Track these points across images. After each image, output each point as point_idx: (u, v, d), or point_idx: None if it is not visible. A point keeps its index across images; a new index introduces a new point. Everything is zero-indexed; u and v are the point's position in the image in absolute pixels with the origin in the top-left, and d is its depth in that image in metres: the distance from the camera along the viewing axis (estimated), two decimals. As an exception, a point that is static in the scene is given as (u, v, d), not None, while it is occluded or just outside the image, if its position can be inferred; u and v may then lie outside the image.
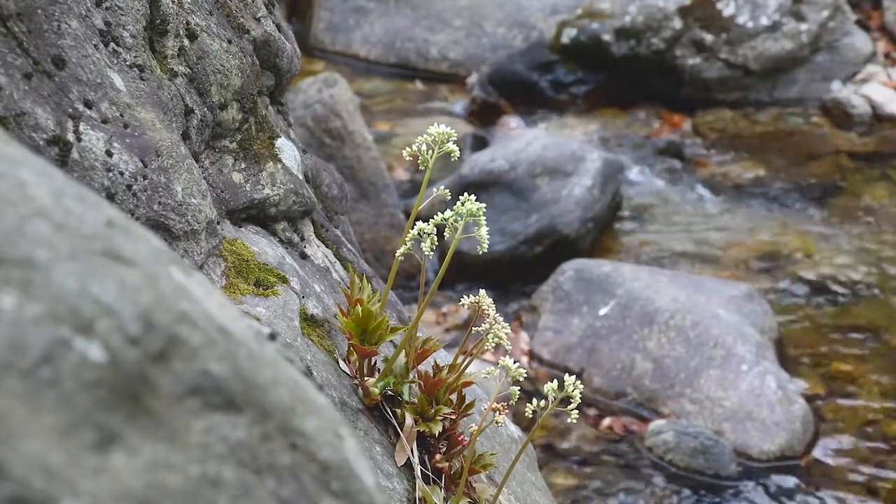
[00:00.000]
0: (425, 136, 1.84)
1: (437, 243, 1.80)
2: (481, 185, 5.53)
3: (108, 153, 1.71)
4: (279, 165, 2.13)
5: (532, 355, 4.90)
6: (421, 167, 1.83)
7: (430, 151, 1.84)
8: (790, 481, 4.31)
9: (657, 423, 4.44)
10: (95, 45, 1.77)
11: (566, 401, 1.79)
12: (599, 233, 5.70)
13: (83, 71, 1.73)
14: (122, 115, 1.77)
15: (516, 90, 6.91)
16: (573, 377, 1.80)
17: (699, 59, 6.87)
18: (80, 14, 1.75)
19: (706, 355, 4.60)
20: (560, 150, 5.70)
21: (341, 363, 1.97)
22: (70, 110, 1.68)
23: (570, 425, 4.49)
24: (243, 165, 2.08)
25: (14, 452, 0.69)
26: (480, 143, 6.34)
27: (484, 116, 6.76)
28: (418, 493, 1.85)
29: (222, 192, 2.03)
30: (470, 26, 7.20)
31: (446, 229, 1.77)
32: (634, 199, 6.04)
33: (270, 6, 2.27)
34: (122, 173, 1.72)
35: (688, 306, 4.74)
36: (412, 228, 1.81)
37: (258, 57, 2.14)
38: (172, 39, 1.94)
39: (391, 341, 2.06)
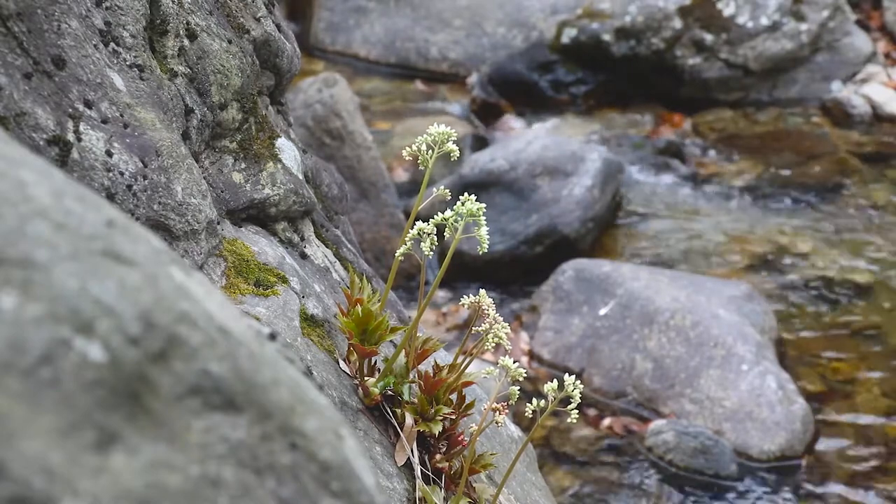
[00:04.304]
0: (425, 136, 1.84)
1: (437, 243, 1.80)
2: (481, 185, 5.53)
3: (108, 153, 1.71)
4: (279, 165, 2.13)
5: (532, 355, 4.90)
6: (421, 167, 1.83)
7: (430, 151, 1.84)
8: (790, 481, 4.31)
9: (657, 423, 4.44)
10: (95, 45, 1.77)
11: (566, 401, 1.79)
12: (599, 233, 5.70)
13: (83, 71, 1.73)
14: (122, 115, 1.77)
15: (516, 90, 6.91)
16: (573, 377, 1.80)
17: (699, 59, 6.87)
18: (80, 14, 1.75)
19: (706, 355, 4.60)
20: (560, 150, 5.70)
21: (341, 363, 1.97)
22: (70, 110, 1.68)
23: (570, 425, 4.49)
24: (243, 165, 2.08)
25: (14, 452, 0.69)
26: (480, 143, 6.34)
27: (484, 116, 6.76)
28: (418, 493, 1.85)
29: (222, 192, 2.03)
30: (470, 26, 7.20)
31: (446, 229, 1.77)
32: (634, 199, 6.04)
33: (270, 6, 2.27)
34: (122, 173, 1.72)
35: (688, 306, 4.74)
36: (412, 228, 1.81)
37: (258, 57, 2.14)
38: (172, 39, 1.94)
39: (391, 341, 2.06)
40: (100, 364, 0.75)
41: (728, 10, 6.89)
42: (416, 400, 1.92)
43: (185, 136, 1.94)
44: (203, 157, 2.02)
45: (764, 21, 6.88)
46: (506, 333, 1.88)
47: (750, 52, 6.86)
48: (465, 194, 1.78)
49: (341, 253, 2.35)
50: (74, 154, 1.66)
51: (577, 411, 1.78)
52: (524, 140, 5.82)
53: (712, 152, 6.49)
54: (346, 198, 2.56)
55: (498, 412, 1.86)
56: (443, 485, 1.90)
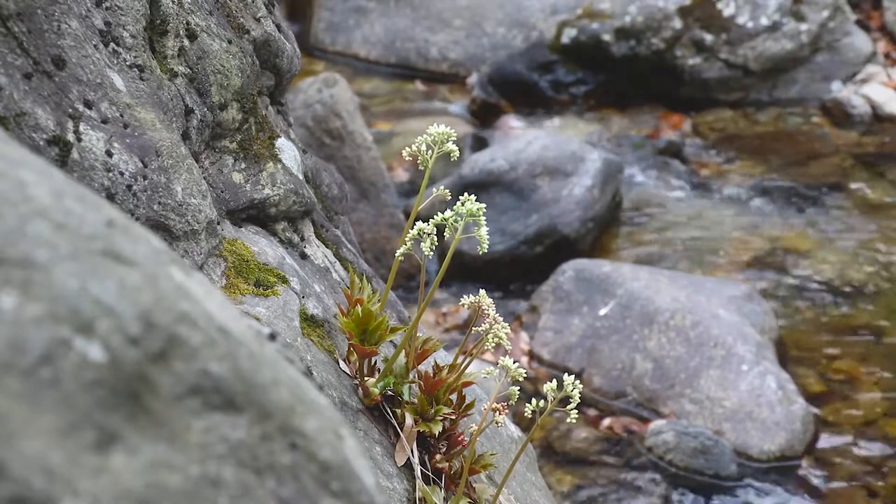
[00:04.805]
0: (425, 136, 1.84)
1: (437, 243, 1.80)
2: (481, 185, 5.53)
3: (108, 153, 1.71)
4: (279, 165, 2.13)
5: (532, 355, 4.90)
6: (421, 167, 1.83)
7: (430, 151, 1.84)
8: (790, 481, 4.31)
9: (657, 423, 4.44)
10: (95, 45, 1.77)
11: (566, 401, 1.79)
12: (599, 233, 5.70)
13: (83, 71, 1.73)
14: (122, 115, 1.77)
15: (516, 90, 6.91)
16: (573, 377, 1.80)
17: (699, 59, 6.87)
18: (80, 14, 1.75)
19: (706, 355, 4.60)
20: (560, 150, 5.70)
21: (341, 363, 1.97)
22: (70, 110, 1.68)
23: (570, 425, 4.49)
24: (243, 165, 2.08)
25: (14, 452, 0.69)
26: (480, 143, 6.34)
27: (484, 116, 6.76)
28: (418, 493, 1.85)
29: (222, 192, 2.03)
30: (470, 26, 7.20)
31: (446, 229, 1.77)
32: (634, 199, 6.04)
33: (270, 6, 2.27)
34: (122, 173, 1.72)
35: (688, 306, 4.74)
36: (412, 228, 1.81)
37: (258, 57, 2.14)
38: (172, 39, 1.94)
39: (391, 341, 2.06)
40: (100, 364, 0.75)
41: (728, 10, 6.89)
42: (416, 400, 1.92)
43: (185, 137, 1.94)
44: (203, 157, 2.02)
45: (764, 21, 6.88)
46: (506, 333, 1.88)
47: (750, 52, 6.86)
48: (465, 194, 1.78)
49: (341, 253, 2.35)
50: (74, 154, 1.66)
51: (576, 411, 1.78)
52: (524, 140, 5.82)
53: (712, 152, 6.49)
54: (346, 198, 2.56)
55: (498, 412, 1.86)
56: (443, 485, 1.90)
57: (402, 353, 1.91)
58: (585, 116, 6.82)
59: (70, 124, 1.67)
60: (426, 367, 1.98)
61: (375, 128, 6.47)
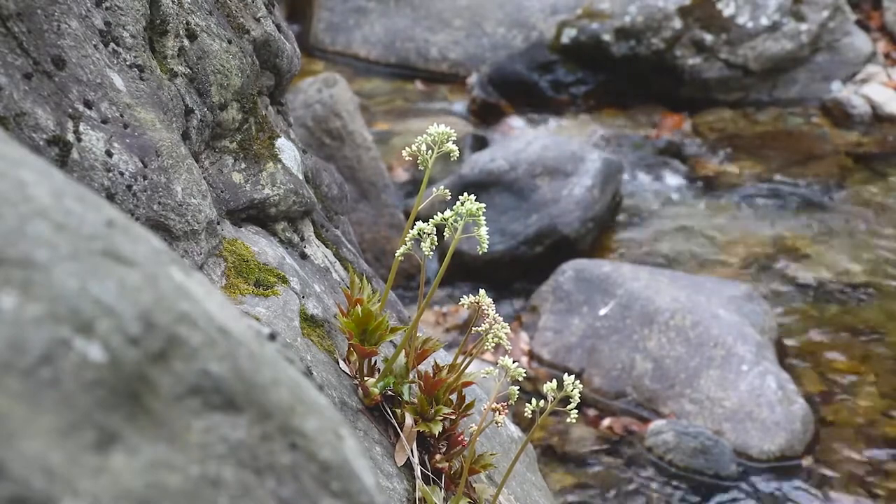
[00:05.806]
0: (425, 136, 1.84)
1: (437, 243, 1.80)
2: (481, 185, 5.53)
3: (108, 153, 1.71)
4: (279, 165, 2.13)
5: (532, 355, 4.90)
6: (421, 167, 1.83)
7: (430, 151, 1.84)
8: (790, 481, 4.31)
9: (657, 424, 4.44)
10: (95, 46, 1.77)
11: (566, 401, 1.79)
12: (599, 233, 5.70)
13: (83, 71, 1.73)
14: (122, 115, 1.77)
15: (516, 90, 6.91)
16: (572, 377, 1.80)
17: (699, 59, 6.87)
18: (80, 14, 1.75)
19: (706, 355, 4.60)
20: (560, 150, 5.70)
21: (341, 363, 1.97)
22: (70, 110, 1.68)
23: (570, 425, 4.49)
24: (243, 165, 2.08)
25: (14, 452, 0.69)
26: (480, 143, 6.34)
27: (484, 116, 6.76)
28: (418, 493, 1.85)
29: (222, 192, 2.03)
30: (470, 26, 7.20)
31: (446, 229, 1.77)
32: (634, 199, 6.04)
33: (270, 6, 2.27)
34: (122, 173, 1.72)
35: (688, 306, 4.74)
36: (412, 228, 1.81)
37: (258, 57, 2.14)
38: (172, 39, 1.94)
39: (391, 341, 2.06)
40: (100, 364, 0.75)
41: (728, 10, 6.89)
42: (416, 400, 1.92)
43: (185, 137, 1.94)
44: (203, 158, 2.02)
45: (764, 21, 6.88)
46: (506, 333, 1.88)
47: (750, 52, 6.86)
48: (465, 194, 1.78)
49: (341, 253, 2.35)
50: (74, 154, 1.66)
51: (576, 411, 1.78)
52: (524, 140, 5.82)
53: (712, 152, 6.49)
54: (346, 198, 2.56)
55: (498, 412, 1.86)
56: (443, 485, 1.90)
57: (402, 353, 1.91)
58: (585, 116, 6.82)
59: (70, 124, 1.67)
60: (426, 367, 1.98)
61: (375, 128, 6.47)
